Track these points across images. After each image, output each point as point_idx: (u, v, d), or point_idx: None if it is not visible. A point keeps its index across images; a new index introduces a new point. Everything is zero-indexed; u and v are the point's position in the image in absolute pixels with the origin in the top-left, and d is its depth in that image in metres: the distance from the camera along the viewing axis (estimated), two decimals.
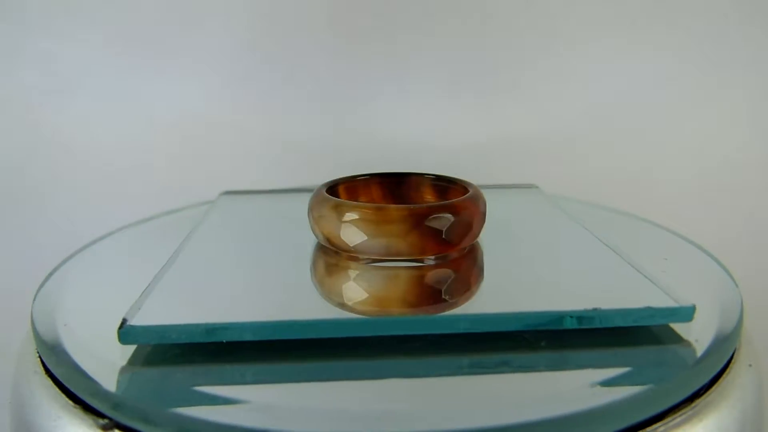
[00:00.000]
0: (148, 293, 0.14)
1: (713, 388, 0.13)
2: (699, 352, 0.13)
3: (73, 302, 0.16)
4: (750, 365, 0.14)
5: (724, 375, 0.13)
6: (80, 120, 0.35)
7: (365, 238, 0.16)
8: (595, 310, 0.14)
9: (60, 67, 0.34)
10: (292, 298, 0.15)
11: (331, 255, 0.17)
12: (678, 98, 0.35)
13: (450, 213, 0.16)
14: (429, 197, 0.20)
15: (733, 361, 0.14)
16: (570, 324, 0.14)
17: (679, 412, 0.12)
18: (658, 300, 0.14)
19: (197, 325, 0.13)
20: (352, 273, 0.17)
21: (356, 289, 0.16)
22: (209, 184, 0.34)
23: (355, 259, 0.17)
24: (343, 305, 0.15)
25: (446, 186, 0.20)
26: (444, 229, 0.16)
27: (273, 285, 0.16)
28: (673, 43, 0.35)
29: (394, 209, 0.16)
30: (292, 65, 0.36)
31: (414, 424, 0.11)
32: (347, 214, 0.16)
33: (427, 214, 0.16)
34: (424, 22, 0.36)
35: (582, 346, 0.14)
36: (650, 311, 0.14)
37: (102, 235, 0.21)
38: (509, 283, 0.17)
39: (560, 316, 0.14)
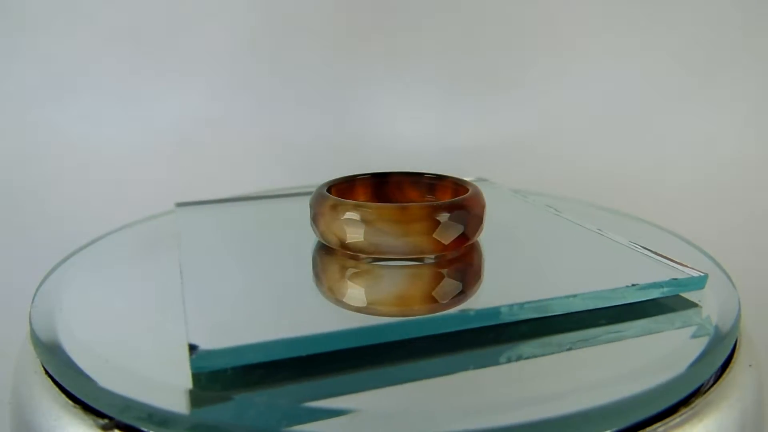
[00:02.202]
0: (189, 313, 0.13)
1: (713, 388, 0.13)
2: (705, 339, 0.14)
3: (71, 302, 0.16)
4: (750, 365, 0.14)
5: (724, 375, 0.14)
6: (80, 120, 0.35)
7: (390, 238, 0.16)
8: (634, 285, 0.15)
9: (60, 67, 0.34)
10: (330, 303, 0.15)
11: (344, 258, 0.17)
12: (677, 98, 0.35)
13: (465, 208, 0.17)
14: (415, 195, 0.20)
15: (732, 361, 0.14)
16: (628, 299, 0.15)
17: (679, 412, 0.12)
18: (669, 273, 0.16)
19: (276, 342, 0.12)
20: (375, 275, 0.16)
21: (393, 291, 0.16)
22: (209, 185, 0.35)
23: (357, 258, 0.17)
24: (386, 308, 0.15)
25: (431, 183, 0.20)
26: (463, 225, 0.16)
27: (303, 292, 0.16)
28: (673, 43, 0.35)
29: (417, 208, 0.16)
30: (291, 66, 0.36)
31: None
32: (369, 215, 0.16)
33: (449, 211, 0.16)
34: (424, 24, 0.36)
35: (597, 325, 0.15)
36: (675, 282, 0.15)
37: (101, 235, 0.21)
38: (522, 273, 0.17)
39: (619, 293, 0.15)
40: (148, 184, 0.35)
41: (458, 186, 0.19)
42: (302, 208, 0.23)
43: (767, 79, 0.35)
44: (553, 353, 0.13)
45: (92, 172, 0.35)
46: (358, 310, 0.15)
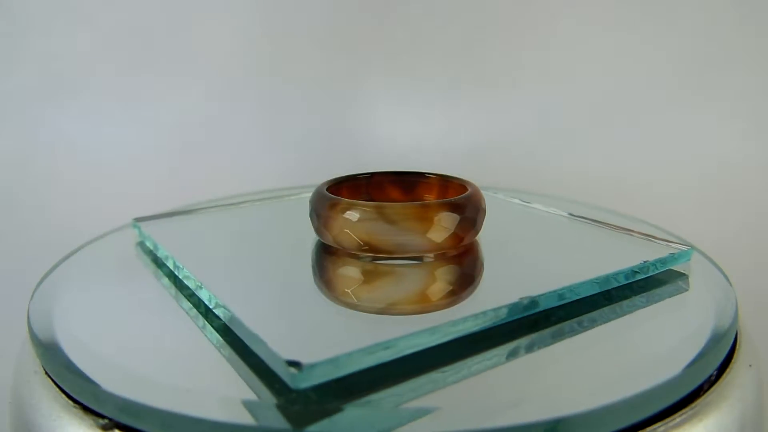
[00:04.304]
0: (254, 329, 0.13)
1: (713, 388, 0.13)
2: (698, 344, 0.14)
3: (70, 302, 0.16)
4: (750, 365, 0.14)
5: (724, 375, 0.13)
6: (80, 120, 0.35)
7: (414, 236, 0.16)
8: (645, 263, 0.16)
9: (60, 67, 0.34)
10: (371, 305, 0.15)
11: (348, 257, 0.17)
12: (677, 99, 0.35)
13: (475, 203, 0.17)
14: (397, 194, 0.21)
15: (732, 361, 0.14)
16: (640, 276, 0.16)
17: (679, 412, 0.12)
18: (660, 250, 0.18)
19: (378, 345, 0.12)
20: (399, 274, 0.17)
21: (431, 288, 0.16)
22: (209, 184, 0.35)
23: (357, 257, 0.17)
24: (425, 305, 0.15)
25: (415, 181, 0.20)
26: (475, 219, 0.17)
27: (333, 296, 0.16)
28: (673, 43, 0.35)
29: (436, 205, 0.16)
30: (291, 65, 0.36)
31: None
32: (393, 215, 0.16)
33: (464, 206, 0.17)
34: (424, 24, 0.36)
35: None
36: (673, 256, 0.17)
37: (100, 234, 0.21)
38: (524, 265, 0.18)
39: (634, 270, 0.16)
40: (148, 184, 0.35)
41: (446, 182, 0.20)
42: (274, 211, 0.23)
43: (766, 79, 0.35)
44: (587, 330, 0.14)
45: (92, 173, 0.35)
46: (402, 309, 0.15)
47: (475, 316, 0.13)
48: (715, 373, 0.13)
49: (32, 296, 0.16)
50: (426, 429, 0.11)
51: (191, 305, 0.16)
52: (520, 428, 0.11)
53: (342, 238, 0.17)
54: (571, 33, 0.36)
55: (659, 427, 0.12)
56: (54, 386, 0.13)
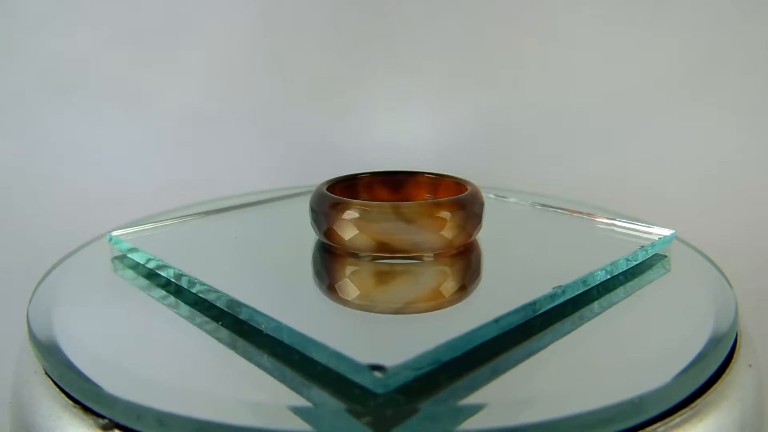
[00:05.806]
0: (312, 335, 0.12)
1: (713, 388, 0.13)
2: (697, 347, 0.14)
3: (69, 302, 0.16)
4: (750, 365, 0.14)
5: (724, 375, 0.13)
6: (80, 120, 0.35)
7: (427, 234, 0.16)
8: (642, 248, 0.18)
9: (60, 67, 0.34)
10: (400, 305, 0.15)
11: (350, 257, 0.17)
12: (677, 98, 0.35)
13: (479, 199, 0.17)
14: (384, 194, 0.21)
15: (732, 361, 0.14)
16: (637, 260, 0.18)
17: (679, 412, 0.12)
18: (648, 237, 0.19)
19: (449, 342, 0.12)
20: (413, 273, 0.17)
21: (449, 285, 0.16)
22: (209, 185, 0.35)
23: (357, 255, 0.17)
24: (443, 302, 0.15)
25: (405, 180, 0.21)
26: (480, 216, 0.17)
27: (357, 296, 0.16)
28: (673, 43, 0.35)
29: (448, 203, 0.16)
30: (292, 65, 0.36)
31: None
32: (410, 213, 0.16)
33: (469, 204, 0.17)
34: (424, 23, 0.36)
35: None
36: (662, 240, 0.19)
37: (99, 234, 0.21)
38: (523, 260, 0.18)
39: (636, 257, 0.17)
40: (147, 183, 0.35)
41: (436, 180, 0.20)
42: (261, 214, 0.23)
43: (766, 79, 0.35)
44: (584, 326, 0.14)
45: (92, 172, 0.35)
46: (425, 307, 0.15)
47: (525, 306, 0.14)
48: (714, 373, 0.13)
49: (32, 296, 0.16)
50: (504, 420, 0.11)
51: (194, 310, 0.15)
52: (525, 428, 0.11)
53: (354, 239, 0.16)
54: (571, 33, 0.36)
55: (659, 427, 0.12)
56: (54, 386, 0.13)
